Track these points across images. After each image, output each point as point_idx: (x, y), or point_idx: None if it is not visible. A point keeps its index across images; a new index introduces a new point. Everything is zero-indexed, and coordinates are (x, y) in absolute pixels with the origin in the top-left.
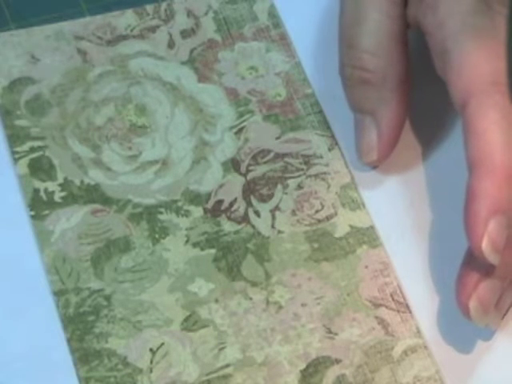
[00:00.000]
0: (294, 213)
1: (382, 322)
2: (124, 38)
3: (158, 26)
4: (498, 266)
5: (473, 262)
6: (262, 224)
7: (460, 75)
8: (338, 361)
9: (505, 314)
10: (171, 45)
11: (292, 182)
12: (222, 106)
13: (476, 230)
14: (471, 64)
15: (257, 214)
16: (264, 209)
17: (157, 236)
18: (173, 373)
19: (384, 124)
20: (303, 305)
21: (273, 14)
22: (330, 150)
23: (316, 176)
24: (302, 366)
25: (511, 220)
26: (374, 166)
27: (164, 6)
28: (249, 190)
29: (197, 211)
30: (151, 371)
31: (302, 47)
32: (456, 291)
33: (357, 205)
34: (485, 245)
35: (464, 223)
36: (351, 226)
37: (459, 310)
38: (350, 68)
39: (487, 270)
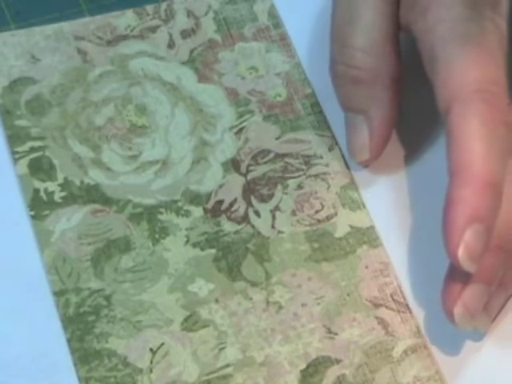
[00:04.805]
0: (294, 213)
1: (382, 321)
2: (124, 38)
3: (157, 26)
4: (483, 271)
5: (457, 268)
6: (262, 224)
7: (445, 82)
8: (338, 361)
9: (495, 317)
10: (171, 45)
11: (292, 182)
12: (222, 106)
13: (453, 237)
14: (456, 71)
15: (257, 214)
16: (264, 209)
17: (157, 236)
18: (173, 373)
19: (376, 122)
20: (303, 305)
21: (273, 14)
22: (330, 150)
23: (316, 176)
24: (302, 366)
25: (490, 229)
26: (366, 165)
27: (164, 6)
28: (249, 190)
29: (197, 211)
30: (151, 371)
31: (302, 47)
32: (441, 298)
33: (357, 205)
34: (461, 253)
35: (441, 231)
36: (351, 226)
37: (445, 316)
38: (342, 66)
39: (472, 276)
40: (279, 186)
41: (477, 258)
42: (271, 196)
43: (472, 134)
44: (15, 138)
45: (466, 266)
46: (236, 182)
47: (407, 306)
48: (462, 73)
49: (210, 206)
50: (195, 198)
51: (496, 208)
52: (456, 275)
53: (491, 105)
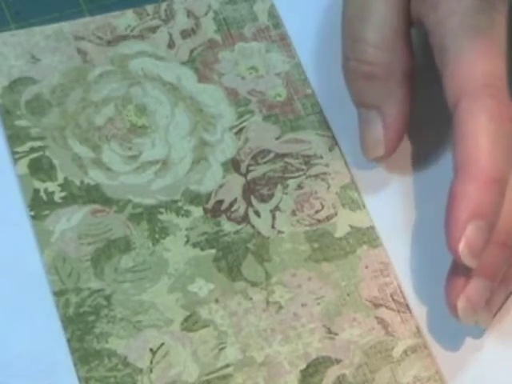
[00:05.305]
0: (294, 213)
1: (382, 321)
2: (124, 38)
3: (158, 27)
4: (487, 266)
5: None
6: (262, 224)
7: (454, 75)
8: (338, 361)
9: (496, 313)
10: (171, 45)
11: (292, 182)
12: (222, 106)
13: (454, 232)
14: (465, 65)
15: (257, 214)
16: (264, 209)
17: (157, 236)
18: (173, 373)
19: (390, 117)
20: (303, 305)
21: (273, 14)
22: (330, 150)
23: (316, 176)
24: (302, 366)
25: (492, 225)
26: (379, 163)
27: (164, 6)
28: (249, 190)
29: (197, 211)
30: (151, 371)
31: (302, 47)
32: (445, 292)
33: (357, 205)
34: (462, 248)
35: (444, 225)
36: (351, 226)
37: (448, 309)
38: (355, 62)
39: (476, 271)
40: (279, 186)
41: (478, 253)
42: (271, 196)
43: (479, 130)
44: (15, 138)
45: (467, 261)
46: (236, 182)
47: (407, 306)
48: (471, 66)
49: (210, 205)
50: (195, 198)
51: (499, 204)
52: (460, 270)
53: (499, 100)
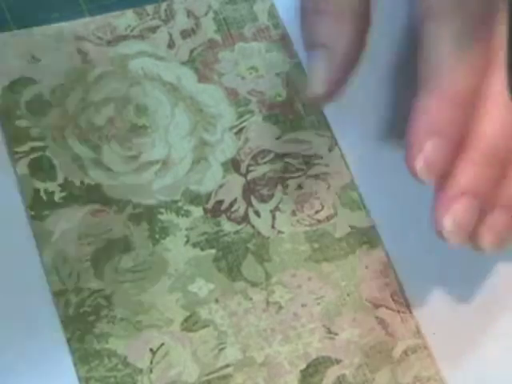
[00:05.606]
0: (294, 213)
1: (382, 322)
2: (124, 38)
3: (158, 27)
4: (472, 184)
5: (449, 181)
6: (262, 224)
7: None
8: (338, 361)
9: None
10: (171, 45)
11: (292, 183)
12: (222, 106)
13: (412, 148)
14: None
15: (257, 214)
16: (264, 209)
17: (157, 236)
18: (173, 373)
19: (337, 57)
20: (303, 305)
21: (273, 14)
22: (330, 150)
23: (316, 176)
24: (302, 366)
25: (452, 142)
26: (320, 106)
27: (164, 6)
28: (249, 190)
29: (197, 211)
30: (151, 371)
31: (302, 47)
32: (431, 212)
33: (357, 205)
34: (419, 164)
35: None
36: (351, 226)
37: (435, 232)
38: (310, 1)
39: (461, 190)
40: (279, 186)
41: (436, 170)
42: (271, 196)
43: (444, 47)
44: (15, 138)
45: (424, 178)
46: (236, 182)
47: (407, 306)
48: None
49: (209, 206)
50: (195, 198)
51: (461, 122)
52: (446, 190)
53: (472, 17)
